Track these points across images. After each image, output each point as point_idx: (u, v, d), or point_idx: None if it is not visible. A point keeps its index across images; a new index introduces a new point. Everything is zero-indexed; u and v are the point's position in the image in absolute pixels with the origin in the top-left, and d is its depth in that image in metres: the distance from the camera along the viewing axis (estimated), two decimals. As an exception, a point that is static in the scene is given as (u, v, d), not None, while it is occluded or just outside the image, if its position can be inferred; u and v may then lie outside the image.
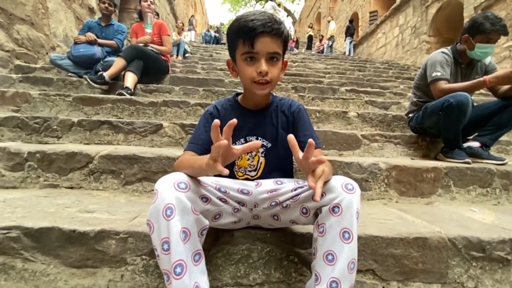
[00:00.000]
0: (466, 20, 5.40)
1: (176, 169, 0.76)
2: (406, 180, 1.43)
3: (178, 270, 0.61)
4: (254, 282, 0.84)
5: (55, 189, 1.26)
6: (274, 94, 0.99)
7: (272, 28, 0.77)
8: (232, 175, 0.88)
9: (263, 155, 0.89)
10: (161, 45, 3.15)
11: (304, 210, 0.75)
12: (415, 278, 0.88)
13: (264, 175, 0.88)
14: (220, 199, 0.77)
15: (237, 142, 0.88)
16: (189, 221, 0.64)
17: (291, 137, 0.66)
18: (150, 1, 3.12)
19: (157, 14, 4.83)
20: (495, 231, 0.99)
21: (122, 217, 0.94)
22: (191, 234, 0.64)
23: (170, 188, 0.64)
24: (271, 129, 0.90)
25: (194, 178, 0.72)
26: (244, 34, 0.77)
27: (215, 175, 0.93)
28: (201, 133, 0.88)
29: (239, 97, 0.96)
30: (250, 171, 0.89)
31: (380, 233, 0.89)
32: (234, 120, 0.62)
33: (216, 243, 0.85)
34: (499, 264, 0.92)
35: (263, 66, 0.78)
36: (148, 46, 2.98)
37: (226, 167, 0.88)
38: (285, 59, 0.88)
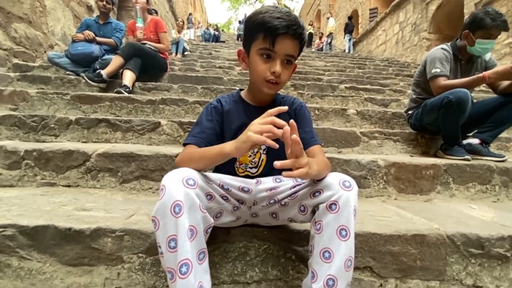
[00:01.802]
0: (466, 16, 5.37)
1: (182, 164, 0.74)
2: (405, 177, 1.42)
3: (184, 269, 0.60)
4: (251, 279, 0.84)
5: (52, 188, 1.26)
6: None
7: (296, 31, 0.76)
8: (232, 171, 0.88)
9: (264, 152, 0.88)
10: (158, 42, 3.12)
11: (302, 208, 0.75)
12: (413, 275, 0.88)
13: (265, 172, 0.88)
14: (223, 197, 0.76)
15: None
16: (196, 219, 0.63)
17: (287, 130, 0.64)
18: None
19: (156, 12, 4.80)
20: (494, 228, 0.98)
21: (119, 215, 0.93)
22: (198, 232, 0.63)
23: (179, 184, 0.62)
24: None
25: (200, 174, 0.70)
26: (266, 30, 0.76)
27: (215, 171, 0.92)
28: (204, 126, 0.84)
29: (242, 92, 0.94)
30: (251, 168, 0.88)
31: (378, 230, 0.88)
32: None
33: (213, 240, 0.84)
34: (498, 261, 0.92)
35: (278, 67, 0.77)
36: (146, 43, 2.96)
37: (227, 163, 0.87)
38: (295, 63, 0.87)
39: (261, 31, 0.77)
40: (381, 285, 0.87)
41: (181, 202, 0.61)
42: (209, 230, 0.69)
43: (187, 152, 0.79)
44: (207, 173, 0.78)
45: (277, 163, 0.61)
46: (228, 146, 0.70)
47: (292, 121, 0.63)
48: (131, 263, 0.81)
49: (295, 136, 0.61)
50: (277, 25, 0.74)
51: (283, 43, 0.76)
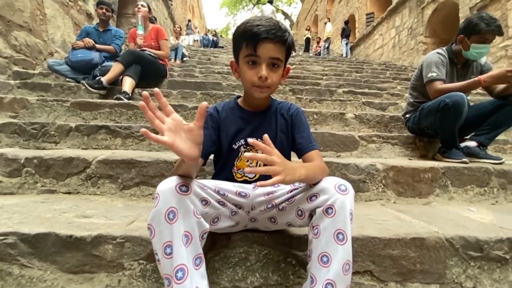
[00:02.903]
0: (461, 20, 5.44)
1: (174, 172, 0.76)
2: (404, 180, 1.43)
3: (180, 274, 0.61)
4: (252, 285, 0.84)
5: (53, 195, 1.26)
6: (273, 97, 0.99)
7: (275, 35, 0.78)
8: (231, 177, 0.89)
9: None
10: (159, 49, 3.16)
11: (299, 212, 0.76)
12: (413, 279, 0.88)
13: (262, 177, 0.88)
14: (219, 202, 0.77)
15: (237, 143, 0.88)
16: (191, 225, 0.64)
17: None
18: (142, 4, 3.13)
19: (155, 19, 4.85)
20: (492, 231, 0.99)
21: (119, 221, 0.93)
22: (193, 238, 0.64)
23: (172, 191, 0.64)
24: (270, 131, 0.90)
25: (195, 180, 0.72)
26: (248, 38, 0.79)
27: (214, 174, 0.93)
28: None
29: (239, 99, 0.96)
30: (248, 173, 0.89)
31: (378, 234, 0.89)
32: (204, 103, 0.64)
33: (213, 246, 0.85)
34: (497, 264, 0.92)
35: (263, 71, 0.79)
36: (145, 50, 3.00)
37: (225, 169, 0.89)
38: (287, 66, 0.89)
39: (243, 39, 0.80)
40: (381, 289, 0.87)
41: (175, 208, 0.62)
42: (205, 236, 0.70)
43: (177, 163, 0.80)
44: (202, 180, 0.79)
45: (249, 170, 0.64)
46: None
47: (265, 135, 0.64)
48: (132, 270, 0.81)
49: (252, 140, 0.63)
50: (257, 31, 0.77)
51: (265, 47, 0.78)
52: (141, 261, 0.81)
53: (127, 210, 1.08)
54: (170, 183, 0.66)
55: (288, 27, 0.85)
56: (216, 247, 0.85)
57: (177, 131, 0.63)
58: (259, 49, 0.78)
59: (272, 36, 0.78)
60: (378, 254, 0.87)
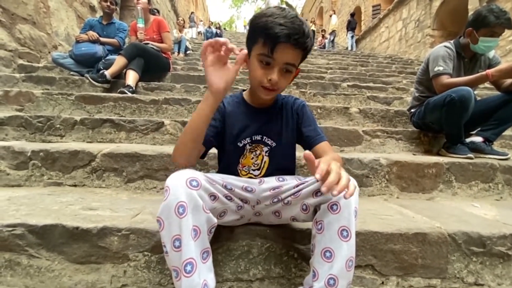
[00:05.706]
0: (470, 13, 5.30)
1: (175, 151, 0.78)
2: (407, 175, 1.42)
3: (189, 268, 0.62)
4: (254, 277, 0.85)
5: (59, 187, 1.28)
6: None
7: (297, 41, 0.73)
8: (235, 174, 0.89)
9: (267, 154, 0.89)
10: (161, 42, 3.14)
11: (304, 207, 0.76)
12: (415, 273, 0.88)
13: (267, 174, 0.89)
14: (226, 197, 0.77)
15: (242, 141, 0.88)
16: (200, 219, 0.65)
17: (307, 153, 0.62)
18: None
19: (158, 11, 4.81)
20: (496, 226, 0.98)
21: (124, 214, 0.95)
22: (201, 232, 0.65)
23: (183, 185, 0.64)
24: (276, 128, 0.90)
25: (204, 175, 0.71)
26: (267, 36, 0.73)
27: (219, 172, 0.94)
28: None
29: (245, 93, 0.95)
30: (253, 170, 0.89)
31: (380, 229, 0.89)
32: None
33: (217, 239, 0.86)
34: (499, 260, 0.92)
35: (275, 75, 0.76)
36: (148, 43, 2.98)
37: (230, 166, 0.89)
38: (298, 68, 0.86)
39: (262, 35, 0.75)
40: (382, 283, 0.88)
41: (184, 203, 0.62)
42: (213, 230, 0.70)
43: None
44: (210, 174, 0.79)
45: (324, 189, 0.57)
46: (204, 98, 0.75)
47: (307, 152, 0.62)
48: (137, 261, 0.83)
49: (308, 152, 0.61)
50: (278, 33, 0.71)
51: (283, 51, 0.74)
52: (146, 253, 0.83)
53: (131, 203, 1.09)
54: (180, 177, 0.66)
55: (311, 30, 0.80)
56: (219, 239, 0.86)
57: (216, 64, 0.72)
58: (276, 52, 0.74)
59: (293, 42, 0.73)
60: (380, 248, 0.88)
